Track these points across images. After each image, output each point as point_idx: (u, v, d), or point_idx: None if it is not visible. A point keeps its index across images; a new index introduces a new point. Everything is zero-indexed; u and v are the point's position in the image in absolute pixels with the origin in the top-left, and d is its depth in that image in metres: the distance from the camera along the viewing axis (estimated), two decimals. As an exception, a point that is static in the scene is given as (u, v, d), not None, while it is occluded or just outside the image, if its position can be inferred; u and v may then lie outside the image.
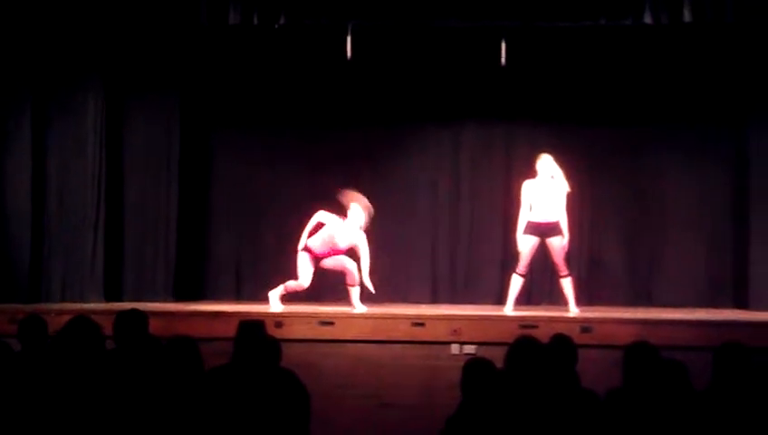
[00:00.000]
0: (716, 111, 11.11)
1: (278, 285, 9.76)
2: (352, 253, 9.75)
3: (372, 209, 9.77)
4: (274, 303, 9.63)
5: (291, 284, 9.72)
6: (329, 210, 9.73)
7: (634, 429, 4.83)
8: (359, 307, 9.57)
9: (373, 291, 9.64)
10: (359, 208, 9.69)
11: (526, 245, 9.68)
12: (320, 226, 9.72)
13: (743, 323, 8.99)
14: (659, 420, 4.80)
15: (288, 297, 9.77)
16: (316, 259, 9.72)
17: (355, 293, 9.64)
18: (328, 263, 9.76)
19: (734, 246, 11.07)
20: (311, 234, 9.71)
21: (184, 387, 4.86)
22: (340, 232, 9.68)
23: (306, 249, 9.71)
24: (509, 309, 9.67)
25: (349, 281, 9.69)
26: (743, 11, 9.41)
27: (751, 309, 10.30)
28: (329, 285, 10.26)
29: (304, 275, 9.68)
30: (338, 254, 9.73)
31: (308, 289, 10.18)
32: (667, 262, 11.20)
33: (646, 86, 11.14)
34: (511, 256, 10.42)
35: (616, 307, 10.40)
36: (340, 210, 9.74)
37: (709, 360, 5.32)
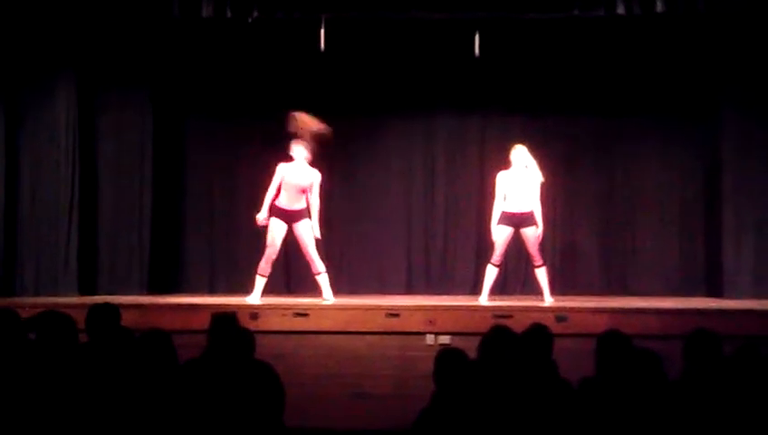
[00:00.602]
0: (689, 101, 11.17)
1: (252, 277, 9.73)
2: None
3: (320, 128, 9.70)
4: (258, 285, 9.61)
5: (266, 255, 9.68)
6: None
7: (607, 417, 4.84)
8: (328, 297, 9.55)
9: (319, 236, 9.62)
10: (299, 148, 9.66)
11: (501, 235, 9.70)
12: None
13: (714, 311, 9.03)
14: (632, 409, 4.82)
15: (266, 288, 9.74)
16: (288, 223, 9.68)
17: (324, 282, 9.62)
18: (297, 233, 9.69)
19: (706, 236, 11.14)
20: (277, 194, 9.68)
21: (157, 380, 4.86)
22: (297, 174, 9.65)
23: (275, 211, 9.66)
24: (484, 299, 9.70)
25: (314, 270, 9.67)
26: (714, 1, 9.45)
27: (724, 297, 10.37)
28: (303, 277, 10.25)
29: (273, 239, 9.63)
30: (305, 193, 9.66)
31: (285, 281, 10.19)
32: (642, 251, 11.27)
33: (619, 77, 11.20)
34: (485, 247, 10.45)
35: (590, 296, 10.45)
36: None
37: (681, 348, 5.36)
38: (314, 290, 9.81)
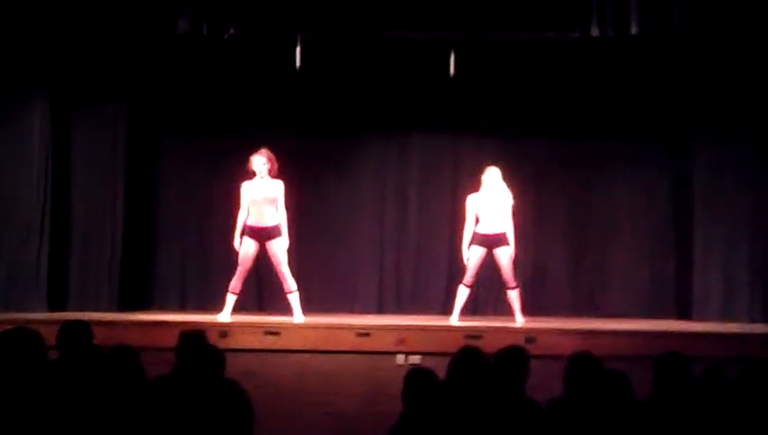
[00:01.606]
0: (661, 123, 11.23)
1: (223, 296, 9.72)
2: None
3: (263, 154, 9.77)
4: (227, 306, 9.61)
5: (237, 273, 9.67)
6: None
7: (575, 438, 4.86)
8: (298, 317, 9.53)
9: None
10: (258, 160, 9.71)
11: (474, 256, 9.74)
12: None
13: (682, 334, 9.10)
14: (601, 430, 4.83)
15: (239, 305, 9.73)
16: (259, 241, 9.66)
17: (294, 301, 9.61)
18: (269, 251, 9.68)
19: (677, 257, 11.20)
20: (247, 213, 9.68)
21: (125, 397, 4.84)
22: (261, 188, 9.68)
23: (245, 230, 9.66)
24: (455, 319, 9.72)
25: (286, 288, 9.66)
26: (688, 26, 9.53)
27: (694, 319, 10.43)
28: (275, 296, 10.23)
29: (244, 257, 9.62)
30: (273, 204, 9.67)
31: (257, 298, 10.17)
32: (612, 272, 11.30)
33: (592, 99, 11.25)
34: (457, 267, 10.46)
35: (560, 318, 10.47)
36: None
37: (651, 370, 5.39)
38: (287, 308, 9.80)
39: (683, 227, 11.05)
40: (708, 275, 10.62)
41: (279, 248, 9.61)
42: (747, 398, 5.18)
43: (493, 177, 9.77)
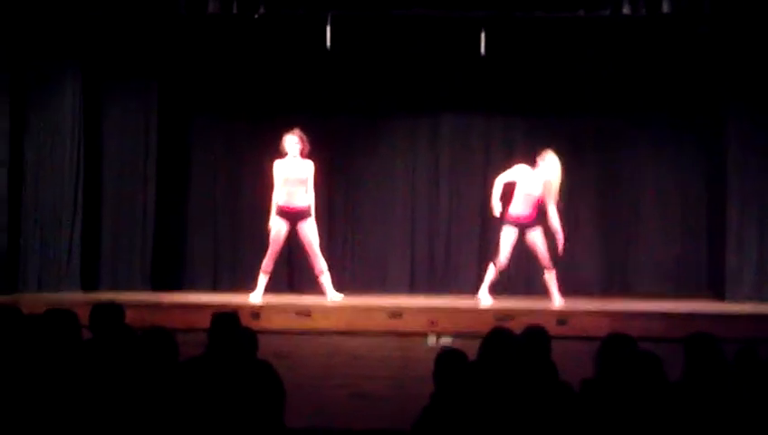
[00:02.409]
0: (693, 100, 11.16)
1: (255, 275, 9.75)
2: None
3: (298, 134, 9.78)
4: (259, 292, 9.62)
5: (268, 253, 9.70)
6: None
7: (608, 419, 4.85)
8: (332, 295, 9.56)
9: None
10: (291, 139, 9.75)
11: (506, 237, 9.72)
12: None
13: (715, 315, 9.04)
14: (633, 411, 4.82)
15: (270, 286, 9.76)
16: (290, 221, 9.69)
17: (326, 281, 9.63)
18: (300, 232, 9.71)
19: (710, 237, 11.15)
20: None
21: (159, 378, 4.87)
22: (292, 168, 9.71)
23: (277, 210, 9.69)
24: (484, 297, 9.69)
25: (317, 269, 9.68)
26: (720, 2, 9.45)
27: (726, 299, 10.37)
28: (306, 276, 10.26)
29: (275, 237, 9.65)
30: (303, 185, 9.70)
31: (287, 279, 10.18)
32: (644, 253, 11.26)
33: (623, 77, 11.19)
34: (489, 248, 10.46)
35: (591, 298, 10.45)
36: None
37: (682, 351, 5.37)
38: (317, 288, 9.81)
39: (715, 206, 10.98)
40: (741, 255, 10.56)
41: (310, 229, 9.63)
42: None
43: (547, 160, 9.71)
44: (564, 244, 9.79)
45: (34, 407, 4.71)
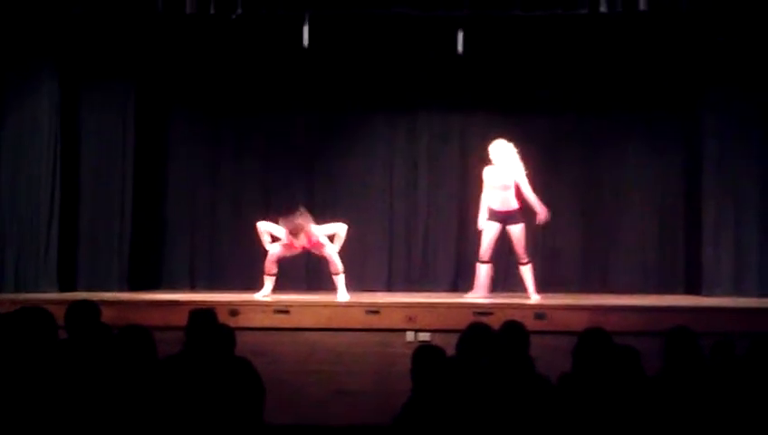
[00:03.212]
0: (670, 98, 11.21)
1: (233, 274, 9.73)
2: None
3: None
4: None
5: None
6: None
7: (586, 413, 4.87)
8: (343, 295, 9.54)
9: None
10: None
11: (487, 231, 9.74)
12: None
13: (691, 309, 9.08)
14: (610, 405, 4.84)
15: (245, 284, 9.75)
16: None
17: (340, 281, 9.63)
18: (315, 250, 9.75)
19: (686, 232, 11.19)
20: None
21: (137, 375, 4.86)
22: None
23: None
24: (477, 295, 9.71)
25: (332, 270, 9.67)
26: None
27: (703, 294, 10.43)
28: (284, 274, 10.24)
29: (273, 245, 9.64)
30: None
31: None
32: (622, 248, 11.30)
33: (600, 75, 11.23)
34: (466, 244, 10.48)
35: (570, 293, 10.48)
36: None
37: (660, 345, 5.40)
38: (295, 286, 9.83)
39: (692, 201, 11.03)
40: (718, 250, 10.60)
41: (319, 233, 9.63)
42: (756, 372, 5.19)
43: (498, 150, 9.75)
44: (547, 217, 9.79)
45: (11, 407, 4.68)
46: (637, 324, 8.27)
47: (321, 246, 9.55)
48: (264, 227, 9.55)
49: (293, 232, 9.42)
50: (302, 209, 9.52)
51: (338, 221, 9.76)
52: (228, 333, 5.44)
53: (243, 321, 8.46)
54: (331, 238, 9.63)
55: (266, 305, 9.00)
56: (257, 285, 9.73)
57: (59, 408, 4.70)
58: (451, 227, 11.32)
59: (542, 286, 10.04)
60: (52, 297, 9.52)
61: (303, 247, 9.56)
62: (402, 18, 10.22)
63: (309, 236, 9.46)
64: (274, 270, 9.64)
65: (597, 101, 11.32)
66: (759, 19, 10.13)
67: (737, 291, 10.35)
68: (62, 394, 4.76)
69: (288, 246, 9.50)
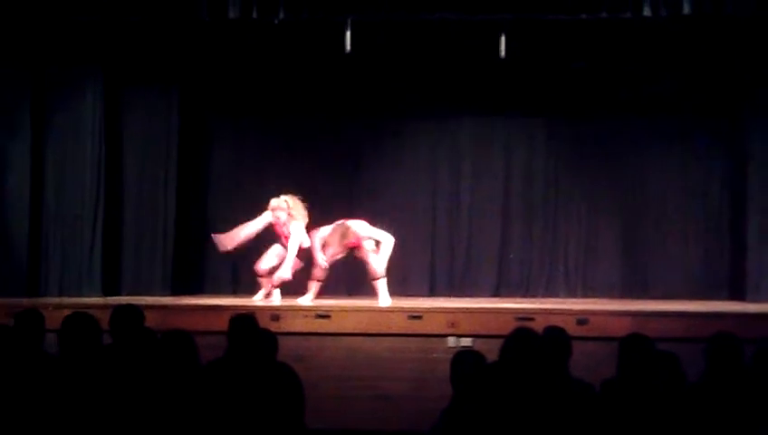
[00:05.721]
0: (714, 102, 11.15)
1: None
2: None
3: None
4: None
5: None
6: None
7: (628, 420, 4.84)
8: (385, 300, 9.55)
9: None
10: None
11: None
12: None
13: (735, 315, 9.01)
14: (652, 411, 4.81)
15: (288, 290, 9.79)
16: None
17: (381, 286, 9.63)
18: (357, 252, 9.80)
19: (731, 238, 11.11)
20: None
21: (179, 380, 4.88)
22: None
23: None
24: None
25: (372, 275, 9.69)
26: (742, 2, 9.41)
27: (747, 300, 10.33)
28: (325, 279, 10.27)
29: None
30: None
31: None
32: (664, 253, 11.23)
33: (643, 78, 11.16)
34: (509, 250, 10.44)
35: (611, 299, 10.43)
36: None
37: (702, 351, 5.35)
38: (335, 291, 9.83)
39: (737, 206, 10.94)
40: (763, 256, 10.50)
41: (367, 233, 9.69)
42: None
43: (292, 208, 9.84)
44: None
45: (57, 411, 4.73)
46: (679, 330, 8.21)
47: (364, 246, 9.57)
48: (317, 242, 9.63)
49: (343, 234, 9.47)
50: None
51: (379, 227, 9.77)
52: (270, 338, 5.46)
53: (284, 326, 8.48)
54: (377, 245, 9.65)
55: (308, 310, 9.01)
56: (299, 290, 9.76)
57: (105, 412, 4.74)
58: (494, 233, 11.30)
59: (583, 291, 10.00)
60: (95, 301, 9.58)
61: (350, 244, 9.57)
62: (444, 23, 10.21)
63: (356, 234, 9.54)
64: (323, 276, 9.68)
65: (640, 105, 11.25)
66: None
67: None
68: (107, 399, 4.80)
69: (337, 249, 9.59)
